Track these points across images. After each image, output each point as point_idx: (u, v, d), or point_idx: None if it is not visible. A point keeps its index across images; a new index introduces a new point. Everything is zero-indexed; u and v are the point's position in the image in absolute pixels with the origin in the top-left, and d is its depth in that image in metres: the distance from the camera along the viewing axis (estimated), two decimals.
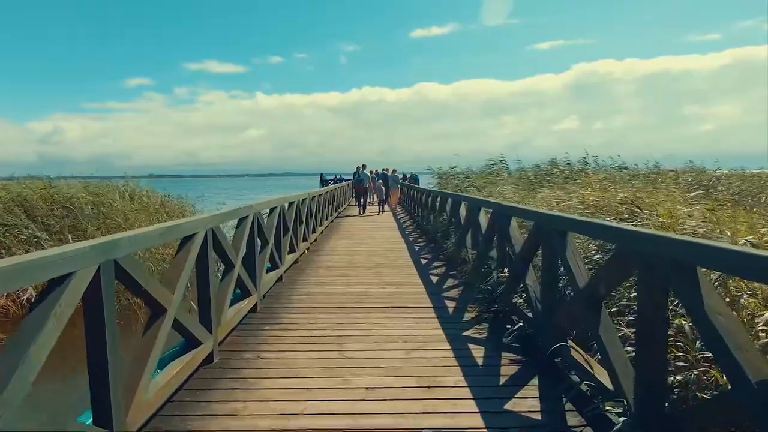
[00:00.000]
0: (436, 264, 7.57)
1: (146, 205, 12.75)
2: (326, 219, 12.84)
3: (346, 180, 27.33)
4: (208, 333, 3.54)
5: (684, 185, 10.50)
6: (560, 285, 3.79)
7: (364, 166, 19.36)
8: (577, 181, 11.30)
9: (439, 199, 10.41)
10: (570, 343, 3.27)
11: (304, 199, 8.93)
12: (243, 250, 4.63)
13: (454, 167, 19.58)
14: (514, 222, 4.70)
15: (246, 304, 4.66)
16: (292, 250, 7.45)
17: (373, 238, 10.88)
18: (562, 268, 3.62)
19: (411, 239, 10.74)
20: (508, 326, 4.26)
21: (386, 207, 19.72)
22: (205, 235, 3.51)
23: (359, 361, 3.62)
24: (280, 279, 6.33)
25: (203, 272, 3.55)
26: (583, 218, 3.41)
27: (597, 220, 3.09)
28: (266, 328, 4.44)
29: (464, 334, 4.25)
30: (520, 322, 4.22)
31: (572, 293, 3.24)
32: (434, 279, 6.49)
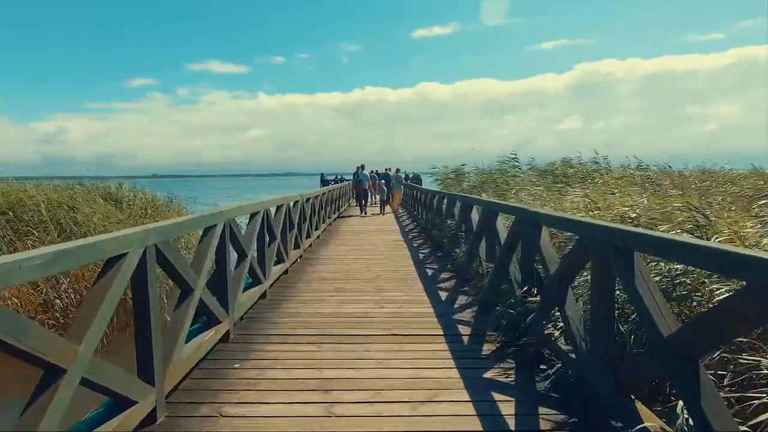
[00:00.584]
0: (444, 276, 6.66)
1: (135, 210, 11.93)
2: (323, 222, 11.93)
3: (347, 180, 26.52)
4: (149, 386, 2.64)
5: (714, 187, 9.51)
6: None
7: (362, 167, 18.49)
8: (595, 181, 10.36)
9: (445, 201, 9.50)
10: (645, 414, 2.36)
11: (296, 202, 8.03)
12: (209, 267, 3.73)
13: (463, 165, 18.25)
14: (545, 233, 3.79)
15: (213, 334, 3.75)
16: (280, 260, 6.55)
17: (374, 244, 9.97)
18: (623, 299, 2.73)
19: (415, 245, 9.83)
20: (542, 366, 3.36)
21: (387, 208, 18.85)
22: (144, 254, 2.61)
23: (350, 422, 2.71)
24: (263, 295, 5.43)
25: (142, 304, 2.66)
26: (660, 233, 2.50)
27: (687, 238, 2.17)
28: (236, 366, 3.54)
29: (485, 376, 3.34)
30: (556, 361, 3.32)
31: (648, 338, 2.34)
32: (443, 296, 5.59)
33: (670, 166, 14.26)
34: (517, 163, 14.96)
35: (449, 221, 8.76)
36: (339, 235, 11.72)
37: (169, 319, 3.48)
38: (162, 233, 2.84)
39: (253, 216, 5.29)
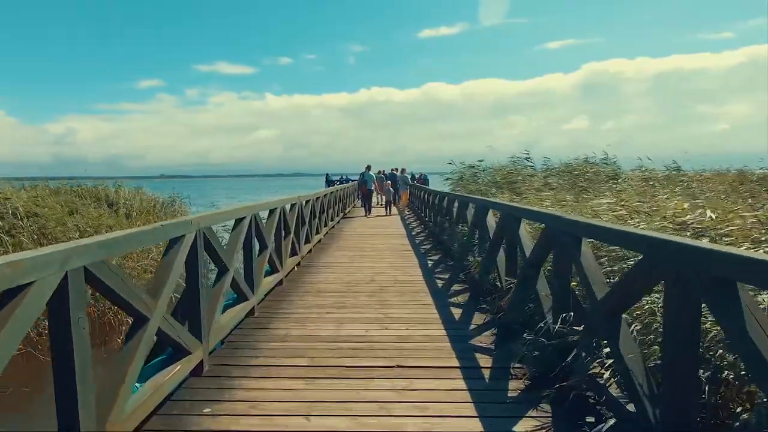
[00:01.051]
0: (456, 288, 5.95)
1: (128, 212, 11.38)
2: (325, 225, 11.26)
3: (352, 180, 25.94)
4: None
5: None
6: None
7: (369, 167, 17.87)
8: (619, 182, 9.58)
9: (456, 203, 8.78)
10: None
11: (293, 205, 7.37)
12: (174, 287, 3.06)
13: (481, 161, 17.15)
14: (586, 247, 3.07)
15: (180, 369, 3.08)
16: (273, 271, 5.88)
17: (378, 250, 9.27)
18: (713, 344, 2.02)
19: (422, 251, 9.13)
20: (587, 418, 2.65)
21: (393, 209, 18.22)
22: (65, 281, 1.94)
23: None
24: (251, 313, 4.75)
25: (62, 349, 1.98)
26: None
27: None
28: (206, 410, 2.86)
29: (516, 430, 2.64)
30: (606, 412, 2.62)
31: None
32: (456, 313, 4.88)
33: (680, 168, 13.28)
34: (531, 163, 14.16)
35: (461, 226, 8.04)
36: (342, 238, 11.04)
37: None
38: (95, 252, 2.16)
39: (238, 222, 4.61)
